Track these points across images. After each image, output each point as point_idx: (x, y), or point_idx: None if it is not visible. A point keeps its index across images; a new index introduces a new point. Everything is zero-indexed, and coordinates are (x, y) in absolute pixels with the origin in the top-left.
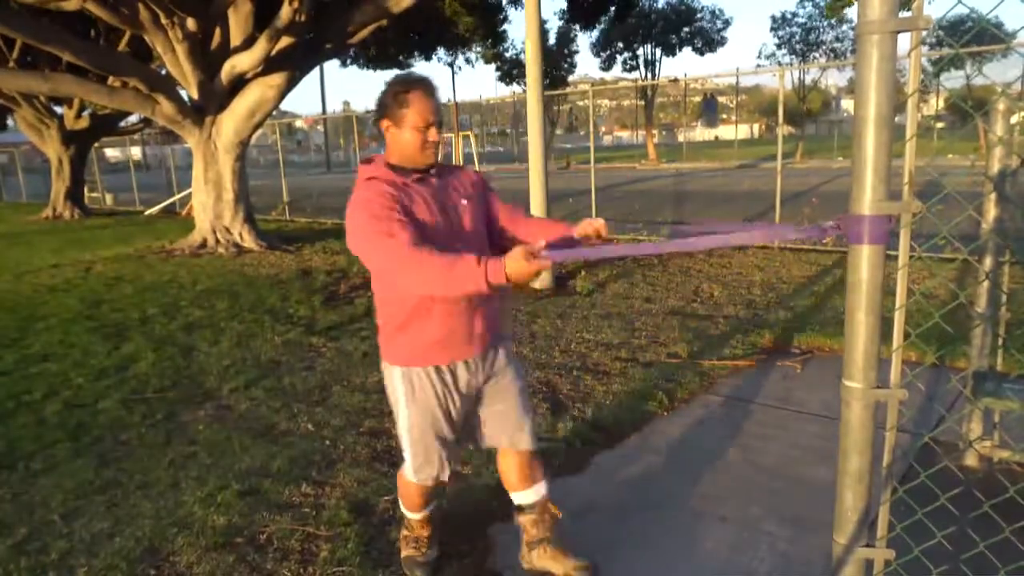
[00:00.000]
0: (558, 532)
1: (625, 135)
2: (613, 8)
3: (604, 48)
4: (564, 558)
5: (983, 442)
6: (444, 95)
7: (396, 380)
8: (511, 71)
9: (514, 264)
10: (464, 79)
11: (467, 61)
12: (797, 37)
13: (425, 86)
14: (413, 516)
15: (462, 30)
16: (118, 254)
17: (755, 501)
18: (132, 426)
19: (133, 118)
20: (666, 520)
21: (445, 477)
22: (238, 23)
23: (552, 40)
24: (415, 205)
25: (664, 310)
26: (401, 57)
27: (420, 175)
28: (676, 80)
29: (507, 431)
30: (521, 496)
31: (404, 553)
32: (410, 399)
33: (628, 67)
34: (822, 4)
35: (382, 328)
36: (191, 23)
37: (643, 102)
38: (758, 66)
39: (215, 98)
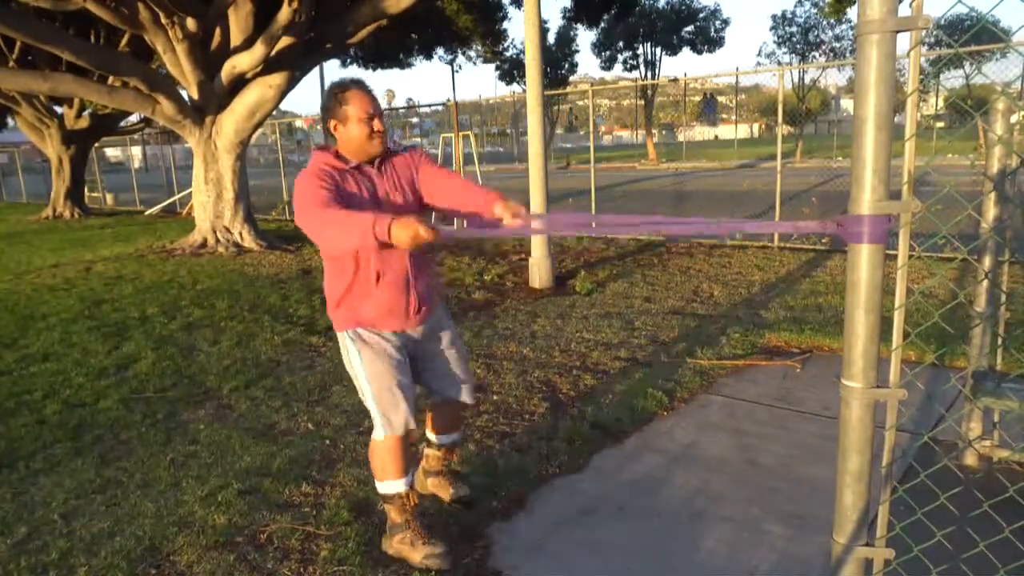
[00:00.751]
0: (448, 469)
1: (625, 135)
2: (617, 6)
3: (605, 48)
4: (450, 488)
5: (983, 442)
6: (444, 95)
7: (348, 340)
8: (511, 71)
9: (400, 228)
10: (464, 79)
11: (468, 59)
12: (797, 36)
13: (360, 85)
14: (397, 486)
15: (461, 28)
16: (118, 254)
17: (755, 501)
18: (132, 425)
19: (133, 118)
20: (666, 520)
21: (413, 423)
22: (238, 23)
23: (552, 40)
24: (347, 185)
25: (664, 310)
26: (401, 56)
27: (358, 166)
28: (676, 80)
29: (456, 385)
30: (441, 438)
31: (418, 557)
32: (362, 346)
33: (628, 67)
34: (821, 3)
35: (328, 302)
36: (191, 23)
37: (643, 102)
38: (758, 65)
39: (215, 98)
